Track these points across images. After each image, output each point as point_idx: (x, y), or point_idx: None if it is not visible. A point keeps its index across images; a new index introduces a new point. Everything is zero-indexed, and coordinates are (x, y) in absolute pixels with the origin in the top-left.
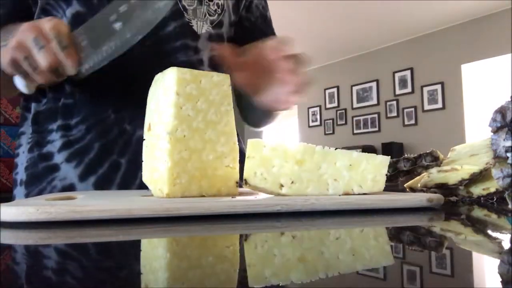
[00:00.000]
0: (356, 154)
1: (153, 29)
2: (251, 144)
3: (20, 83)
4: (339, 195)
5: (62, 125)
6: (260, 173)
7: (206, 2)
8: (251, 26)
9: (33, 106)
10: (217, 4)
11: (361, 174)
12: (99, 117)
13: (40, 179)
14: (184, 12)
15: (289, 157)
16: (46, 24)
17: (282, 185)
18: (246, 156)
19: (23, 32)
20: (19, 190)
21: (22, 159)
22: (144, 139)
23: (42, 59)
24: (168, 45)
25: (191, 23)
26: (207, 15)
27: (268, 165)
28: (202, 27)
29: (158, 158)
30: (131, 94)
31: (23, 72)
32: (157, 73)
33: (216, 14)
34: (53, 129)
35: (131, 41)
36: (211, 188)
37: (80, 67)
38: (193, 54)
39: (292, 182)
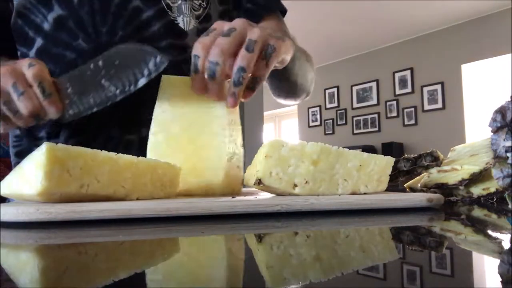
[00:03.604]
0: (366, 155)
1: (136, 30)
2: (270, 144)
3: None
4: (339, 195)
5: (51, 132)
6: (276, 173)
7: None
8: (253, 6)
9: None
10: None
11: (369, 175)
12: (85, 122)
13: None
14: (168, 10)
15: (305, 157)
16: (28, 70)
17: (295, 185)
18: (264, 155)
19: (2, 76)
20: None
21: (13, 161)
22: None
23: (22, 106)
24: (153, 46)
25: (176, 20)
26: (192, 10)
27: (285, 165)
28: (189, 23)
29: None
30: (118, 101)
31: (2, 116)
32: None
33: (201, 8)
34: (43, 136)
35: (117, 97)
36: (220, 188)
37: (63, 113)
38: (179, 53)
39: (306, 182)
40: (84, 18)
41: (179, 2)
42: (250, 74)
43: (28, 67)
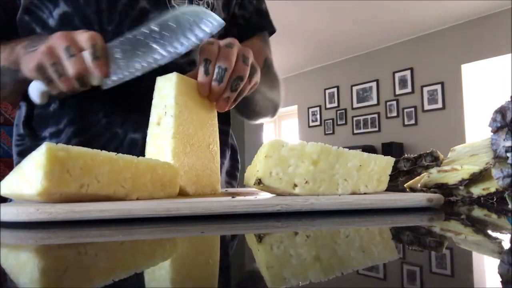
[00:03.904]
0: (366, 155)
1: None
2: (270, 144)
3: (36, 90)
4: (339, 195)
5: (54, 131)
6: (276, 173)
7: (196, 2)
8: (246, 23)
9: (24, 109)
10: (207, 3)
11: (369, 175)
12: (89, 121)
13: None
14: None
15: (305, 157)
16: (82, 34)
17: (295, 185)
18: (264, 155)
19: (56, 39)
20: None
21: (15, 161)
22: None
23: (71, 66)
24: None
25: None
26: None
27: (285, 165)
28: None
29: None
30: (121, 98)
31: (47, 78)
32: (147, 76)
33: None
34: (46, 136)
35: (162, 61)
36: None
37: (106, 79)
38: (183, 56)
39: (306, 182)
40: (91, 17)
41: (185, 5)
42: (243, 84)
43: (83, 33)
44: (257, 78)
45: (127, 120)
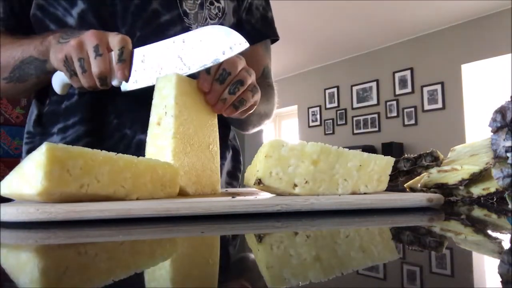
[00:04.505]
0: (366, 155)
1: (153, 33)
2: (270, 144)
3: (58, 80)
4: (340, 195)
5: (62, 127)
6: (275, 172)
7: (207, 6)
8: (251, 29)
9: (36, 108)
10: (218, 8)
11: (369, 175)
12: (101, 122)
13: None
14: (184, 17)
15: (305, 157)
16: (114, 36)
17: (295, 185)
18: (264, 155)
19: (87, 36)
20: None
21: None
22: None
23: (96, 65)
24: None
25: (191, 28)
26: (208, 19)
27: (285, 165)
28: None
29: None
30: (132, 100)
31: (71, 71)
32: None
33: (217, 18)
34: (54, 132)
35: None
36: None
37: (127, 82)
38: None
39: (306, 182)
40: (106, 17)
41: (196, 10)
42: (242, 91)
43: (115, 35)
44: (257, 97)
45: (136, 121)
